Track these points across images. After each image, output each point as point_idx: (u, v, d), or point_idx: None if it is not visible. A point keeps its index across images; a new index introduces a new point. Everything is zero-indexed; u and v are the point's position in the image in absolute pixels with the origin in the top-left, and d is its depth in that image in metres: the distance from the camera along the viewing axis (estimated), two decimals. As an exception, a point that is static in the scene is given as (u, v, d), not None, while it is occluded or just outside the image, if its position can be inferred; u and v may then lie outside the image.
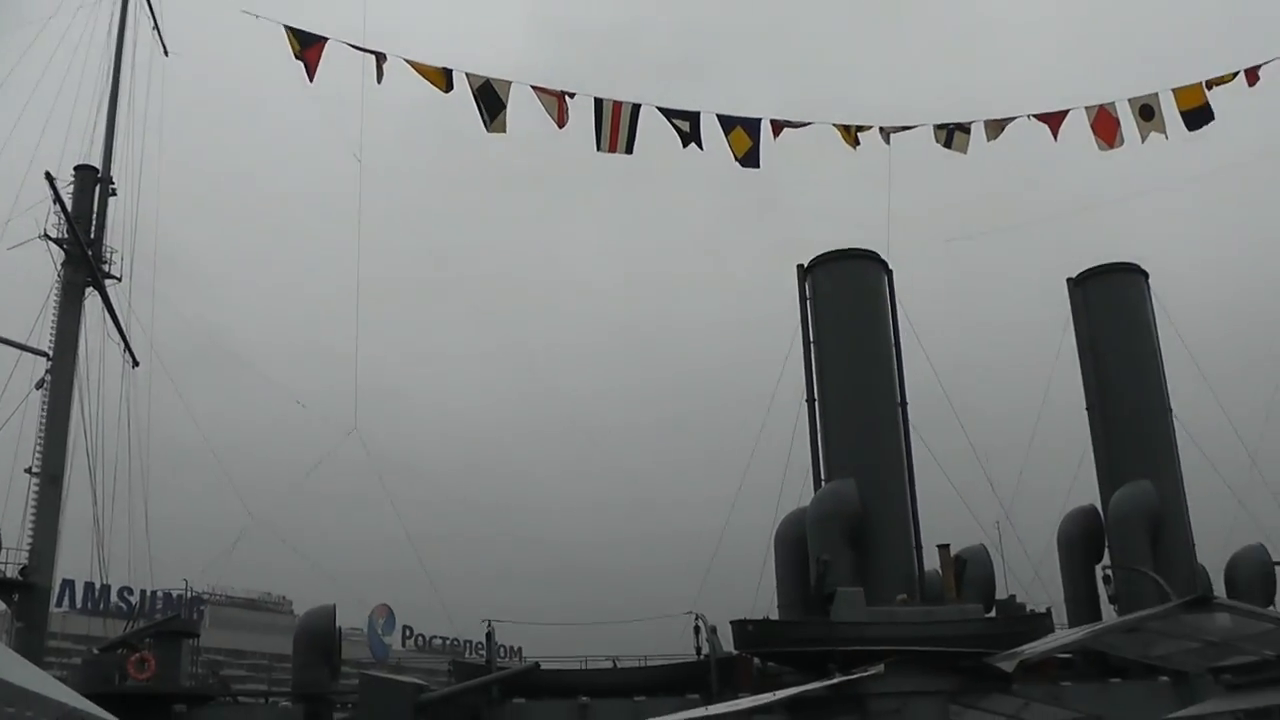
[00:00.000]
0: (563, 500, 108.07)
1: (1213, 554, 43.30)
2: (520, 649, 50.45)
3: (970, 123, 38.91)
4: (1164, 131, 38.51)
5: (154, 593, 51.27)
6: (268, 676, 49.83)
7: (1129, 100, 38.53)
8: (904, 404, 42.16)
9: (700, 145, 35.26)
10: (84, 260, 39.51)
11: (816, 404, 41.82)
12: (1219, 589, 39.57)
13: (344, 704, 34.91)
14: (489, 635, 36.17)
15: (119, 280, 40.71)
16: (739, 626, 35.31)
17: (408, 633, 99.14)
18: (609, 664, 36.89)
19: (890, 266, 43.99)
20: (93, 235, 40.32)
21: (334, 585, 41.75)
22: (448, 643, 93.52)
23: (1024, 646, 12.97)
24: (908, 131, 38.87)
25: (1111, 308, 44.97)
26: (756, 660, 36.42)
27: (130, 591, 56.69)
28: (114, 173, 41.52)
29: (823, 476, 41.01)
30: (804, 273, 43.76)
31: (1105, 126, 38.43)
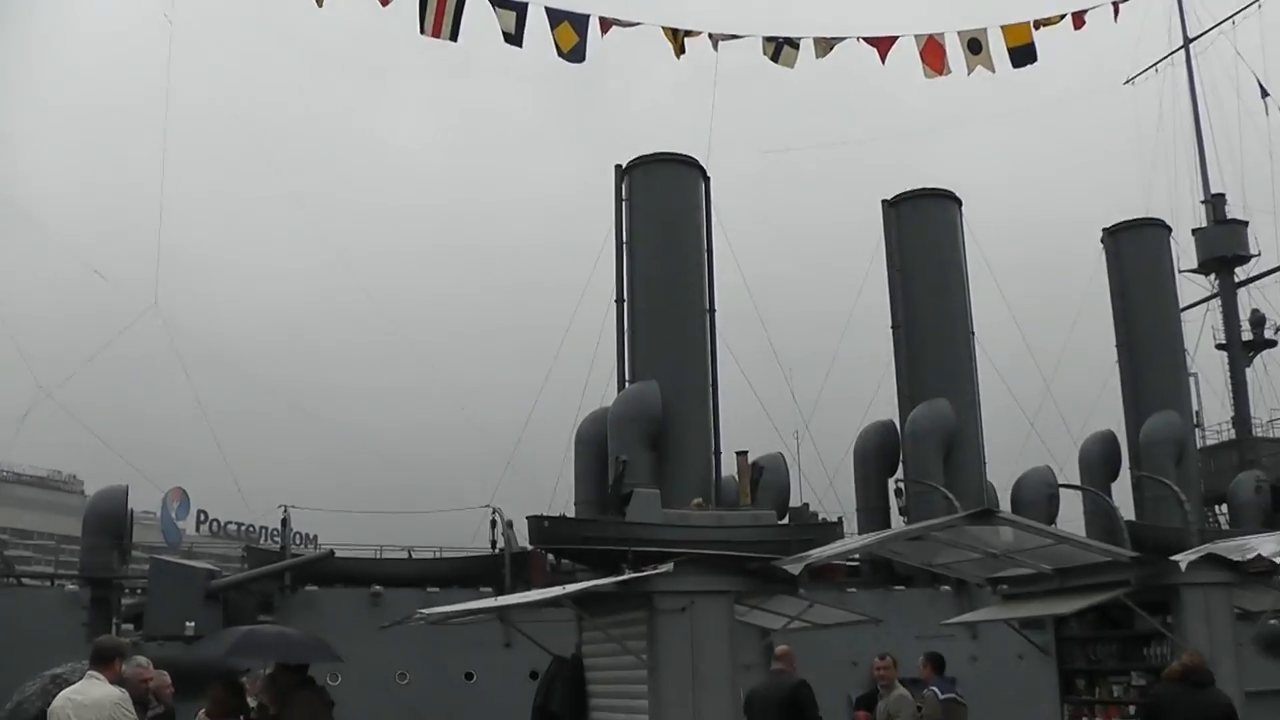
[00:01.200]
0: (368, 389, 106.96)
1: (1003, 473, 44.76)
2: (316, 537, 50.02)
3: (799, 39, 39.06)
4: (990, 66, 39.20)
5: (-64, 466, 49.61)
6: (54, 558, 48.49)
7: (958, 33, 39.09)
8: (712, 311, 42.32)
9: (520, 44, 34.79)
10: None
11: (625, 305, 41.88)
12: (1005, 507, 40.83)
13: (133, 588, 34.08)
14: (285, 521, 35.58)
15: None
16: (535, 522, 35.30)
17: (202, 517, 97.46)
18: (404, 554, 36.65)
19: (709, 173, 44.07)
20: None
21: (127, 466, 40.60)
22: (242, 529, 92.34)
23: (812, 551, 13.14)
24: (736, 41, 38.87)
25: (923, 231, 45.58)
26: (551, 556, 36.58)
27: (-91, 464, 54.83)
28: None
29: (627, 378, 41.18)
30: (621, 173, 43.48)
31: (933, 55, 38.96)
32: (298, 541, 36.47)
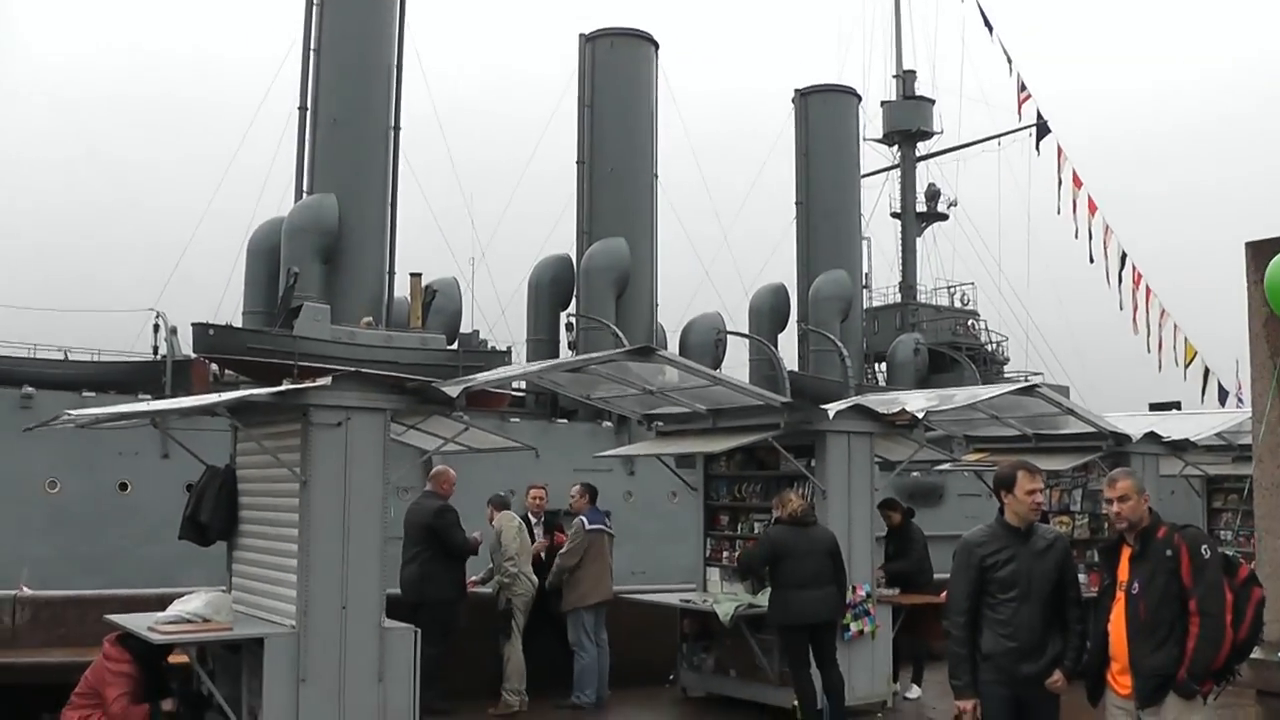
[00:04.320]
0: (26, 173, 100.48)
1: (675, 317, 45.92)
2: (-37, 333, 47.38)
3: None
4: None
5: None
6: None
7: None
8: (397, 129, 41.41)
9: None
10: None
11: (309, 113, 40.48)
12: (674, 349, 41.80)
13: None
14: (-75, 314, 33.70)
15: None
16: (200, 330, 34.45)
17: None
18: (60, 356, 35.15)
19: (406, -6, 42.77)
20: None
21: None
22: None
23: (474, 376, 13.21)
24: None
25: (617, 70, 45.46)
26: (214, 367, 35.76)
27: None
28: None
29: (305, 188, 40.07)
30: (315, -19, 41.73)
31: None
32: (-60, 337, 34.21)
